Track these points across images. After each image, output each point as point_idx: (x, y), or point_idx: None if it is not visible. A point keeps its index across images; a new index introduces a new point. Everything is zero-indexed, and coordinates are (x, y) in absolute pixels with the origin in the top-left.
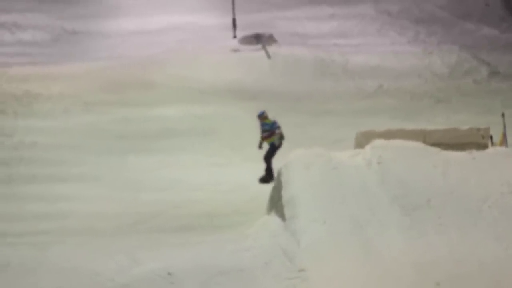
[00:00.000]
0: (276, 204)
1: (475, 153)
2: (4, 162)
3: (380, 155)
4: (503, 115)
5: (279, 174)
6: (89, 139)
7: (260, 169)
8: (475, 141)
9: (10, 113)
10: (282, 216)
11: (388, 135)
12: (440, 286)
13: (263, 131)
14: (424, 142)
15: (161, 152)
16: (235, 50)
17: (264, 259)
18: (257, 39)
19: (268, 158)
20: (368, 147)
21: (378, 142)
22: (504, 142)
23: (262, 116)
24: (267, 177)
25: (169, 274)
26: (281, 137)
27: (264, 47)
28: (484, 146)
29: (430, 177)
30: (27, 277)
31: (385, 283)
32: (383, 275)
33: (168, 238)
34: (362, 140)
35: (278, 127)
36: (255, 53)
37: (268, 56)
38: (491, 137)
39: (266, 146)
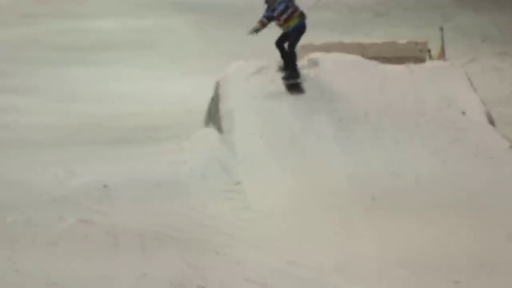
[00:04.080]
0: (213, 117)
1: (413, 67)
2: None
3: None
4: (441, 28)
5: (217, 86)
6: (25, 51)
7: (199, 82)
8: (413, 54)
9: None
10: (219, 129)
11: (326, 48)
12: (376, 200)
13: (279, 13)
14: (362, 55)
15: (98, 65)
16: None
17: (201, 172)
18: None
19: (293, 45)
20: (305, 60)
21: (316, 55)
22: (442, 56)
23: None
24: (292, 70)
25: (105, 186)
26: (302, 15)
27: None
28: (422, 60)
29: (368, 90)
30: None
31: (321, 196)
32: (320, 188)
33: (104, 151)
34: (301, 53)
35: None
36: None
37: None
38: (429, 51)
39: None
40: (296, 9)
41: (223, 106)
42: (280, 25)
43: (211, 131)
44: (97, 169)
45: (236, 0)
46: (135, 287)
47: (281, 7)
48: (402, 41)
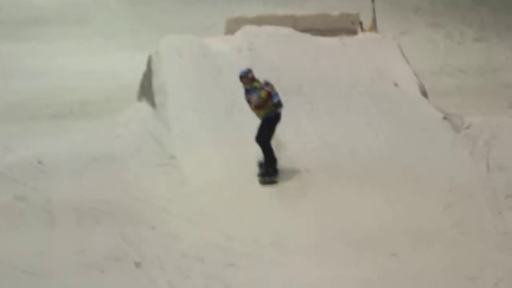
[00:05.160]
0: (146, 92)
1: (345, 39)
2: None
3: (251, 41)
4: (373, 0)
5: (149, 61)
6: None
7: (131, 57)
8: (346, 27)
9: None
10: (152, 103)
11: (259, 21)
12: (311, 173)
13: (249, 99)
14: (295, 28)
15: (32, 40)
16: None
17: (135, 146)
18: None
19: (264, 139)
20: (238, 34)
21: (249, 28)
22: (374, 27)
23: (247, 77)
24: (269, 167)
25: (39, 162)
26: (279, 105)
27: None
28: (354, 32)
29: (301, 63)
30: None
31: (255, 168)
32: (254, 160)
33: (40, 126)
34: (233, 27)
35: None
36: None
37: None
38: (361, 23)
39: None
40: (271, 97)
41: (155, 81)
42: (252, 110)
43: (144, 106)
44: (33, 145)
45: None
46: (71, 262)
47: (252, 93)
48: (335, 13)
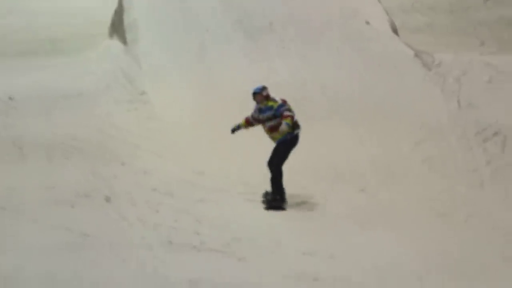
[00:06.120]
0: (117, 28)
1: None
2: None
3: None
4: None
5: None
6: None
7: None
8: None
9: None
10: (124, 40)
11: None
12: None
13: (263, 119)
14: None
15: None
16: None
17: (106, 83)
18: None
19: (277, 163)
20: None
21: None
22: None
23: (261, 95)
24: (276, 195)
25: (10, 98)
26: (296, 125)
27: None
28: None
29: (272, 1)
30: None
31: (228, 107)
32: (227, 99)
33: (9, 63)
34: None
35: (288, 109)
36: None
37: None
38: None
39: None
40: (287, 111)
41: (127, 18)
42: (266, 132)
43: (116, 42)
44: (3, 81)
45: None
46: (42, 198)
47: (268, 113)
48: None
